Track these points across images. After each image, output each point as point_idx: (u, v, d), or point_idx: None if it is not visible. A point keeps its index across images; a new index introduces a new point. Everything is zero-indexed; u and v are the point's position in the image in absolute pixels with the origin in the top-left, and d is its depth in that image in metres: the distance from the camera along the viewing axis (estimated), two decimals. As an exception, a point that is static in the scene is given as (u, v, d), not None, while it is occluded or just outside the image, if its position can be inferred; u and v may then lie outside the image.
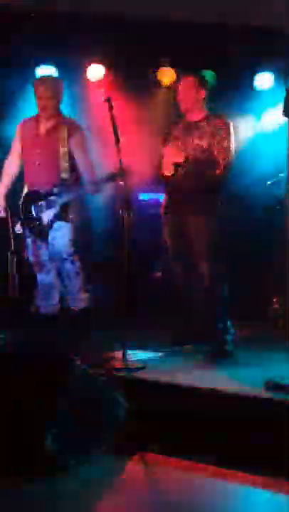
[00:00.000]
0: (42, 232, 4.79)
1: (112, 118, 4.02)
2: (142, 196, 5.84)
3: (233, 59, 5.83)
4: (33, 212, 4.80)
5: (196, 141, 4.32)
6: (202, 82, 4.45)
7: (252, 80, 6.21)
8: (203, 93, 4.40)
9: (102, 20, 5.62)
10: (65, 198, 4.72)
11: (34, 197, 4.80)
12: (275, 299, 5.24)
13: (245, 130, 5.73)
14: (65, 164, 4.73)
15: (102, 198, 4.84)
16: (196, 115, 4.41)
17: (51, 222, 4.75)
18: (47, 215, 4.75)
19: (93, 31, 5.64)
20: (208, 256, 4.30)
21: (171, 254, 4.53)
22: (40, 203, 4.77)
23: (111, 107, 4.03)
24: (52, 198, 4.72)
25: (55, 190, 4.72)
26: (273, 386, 3.27)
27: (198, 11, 5.43)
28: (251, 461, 2.89)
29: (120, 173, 4.27)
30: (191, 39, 5.65)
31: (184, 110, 4.45)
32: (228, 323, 4.32)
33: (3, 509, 2.64)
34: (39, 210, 4.77)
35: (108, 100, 4.04)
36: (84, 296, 4.89)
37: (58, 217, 4.74)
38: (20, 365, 3.33)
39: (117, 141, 3.98)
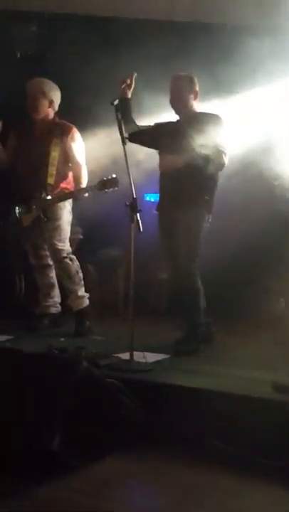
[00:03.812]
0: (19, 234, 4.79)
1: (119, 121, 4.01)
2: (148, 197, 5.83)
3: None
4: (13, 214, 4.78)
5: (187, 139, 4.25)
6: (194, 82, 4.41)
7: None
8: (195, 93, 4.37)
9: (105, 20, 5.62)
10: (48, 202, 4.69)
11: (17, 198, 4.77)
12: (282, 299, 5.20)
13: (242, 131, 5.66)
14: (52, 169, 4.71)
15: (106, 197, 4.80)
16: (186, 114, 4.37)
17: (32, 224, 4.72)
18: (26, 219, 4.73)
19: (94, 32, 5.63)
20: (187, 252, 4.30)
21: (162, 252, 4.52)
22: (21, 205, 4.74)
23: (117, 110, 4.02)
24: (33, 201, 4.70)
25: (37, 194, 4.68)
26: (280, 388, 3.28)
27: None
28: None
29: (109, 183, 4.33)
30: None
31: (174, 109, 4.41)
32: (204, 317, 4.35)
33: (6, 509, 2.66)
34: (20, 212, 4.75)
35: (114, 103, 4.02)
36: (86, 295, 4.88)
37: (39, 220, 4.69)
38: (27, 366, 3.35)
39: (124, 143, 3.98)
